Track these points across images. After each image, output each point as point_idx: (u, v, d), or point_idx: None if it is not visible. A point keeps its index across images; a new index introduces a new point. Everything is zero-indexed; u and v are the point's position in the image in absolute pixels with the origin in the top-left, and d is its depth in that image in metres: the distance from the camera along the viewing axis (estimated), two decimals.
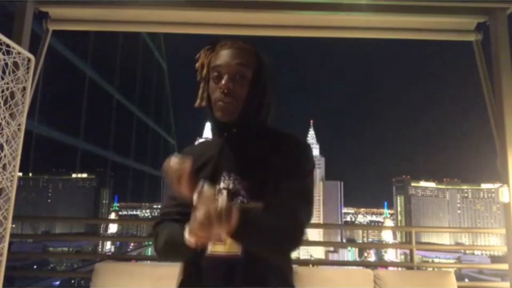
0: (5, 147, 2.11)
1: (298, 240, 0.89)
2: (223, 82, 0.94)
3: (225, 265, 0.91)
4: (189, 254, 0.89)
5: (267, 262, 0.93)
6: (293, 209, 0.89)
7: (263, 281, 0.91)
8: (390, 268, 3.49)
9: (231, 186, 0.95)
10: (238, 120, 0.96)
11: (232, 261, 0.90)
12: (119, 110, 22.56)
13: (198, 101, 1.02)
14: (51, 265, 14.93)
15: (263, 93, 0.98)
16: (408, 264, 2.98)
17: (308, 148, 1.01)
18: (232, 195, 0.94)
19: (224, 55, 0.97)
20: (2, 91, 2.07)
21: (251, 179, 0.94)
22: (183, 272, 1.00)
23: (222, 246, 0.91)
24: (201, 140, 1.19)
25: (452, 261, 56.24)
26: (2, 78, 2.07)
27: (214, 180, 0.96)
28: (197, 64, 1.02)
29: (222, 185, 0.96)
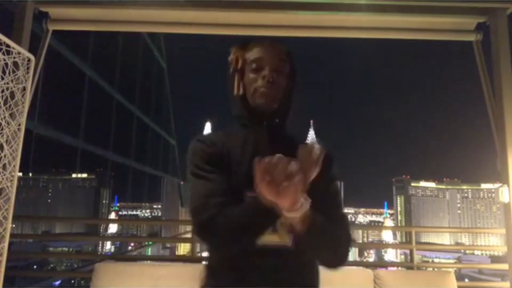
0: (5, 147, 2.11)
1: (348, 252, 0.95)
2: (266, 72, 1.00)
3: (274, 254, 0.93)
4: (268, 225, 0.87)
5: (313, 259, 0.98)
6: (345, 223, 0.97)
7: (306, 276, 0.97)
8: (390, 268, 3.49)
9: None
10: (277, 109, 1.00)
11: (281, 251, 0.93)
12: (119, 110, 22.52)
13: (236, 90, 1.05)
14: (51, 265, 14.91)
15: (294, 90, 1.05)
16: (408, 264, 2.98)
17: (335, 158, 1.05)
18: None
19: (264, 50, 1.03)
20: (2, 91, 2.07)
21: None
22: (228, 266, 0.96)
23: (274, 237, 0.93)
24: (209, 132, 1.19)
25: (452, 261, 56.25)
26: (2, 78, 2.06)
27: None
28: (231, 57, 1.07)
29: None
